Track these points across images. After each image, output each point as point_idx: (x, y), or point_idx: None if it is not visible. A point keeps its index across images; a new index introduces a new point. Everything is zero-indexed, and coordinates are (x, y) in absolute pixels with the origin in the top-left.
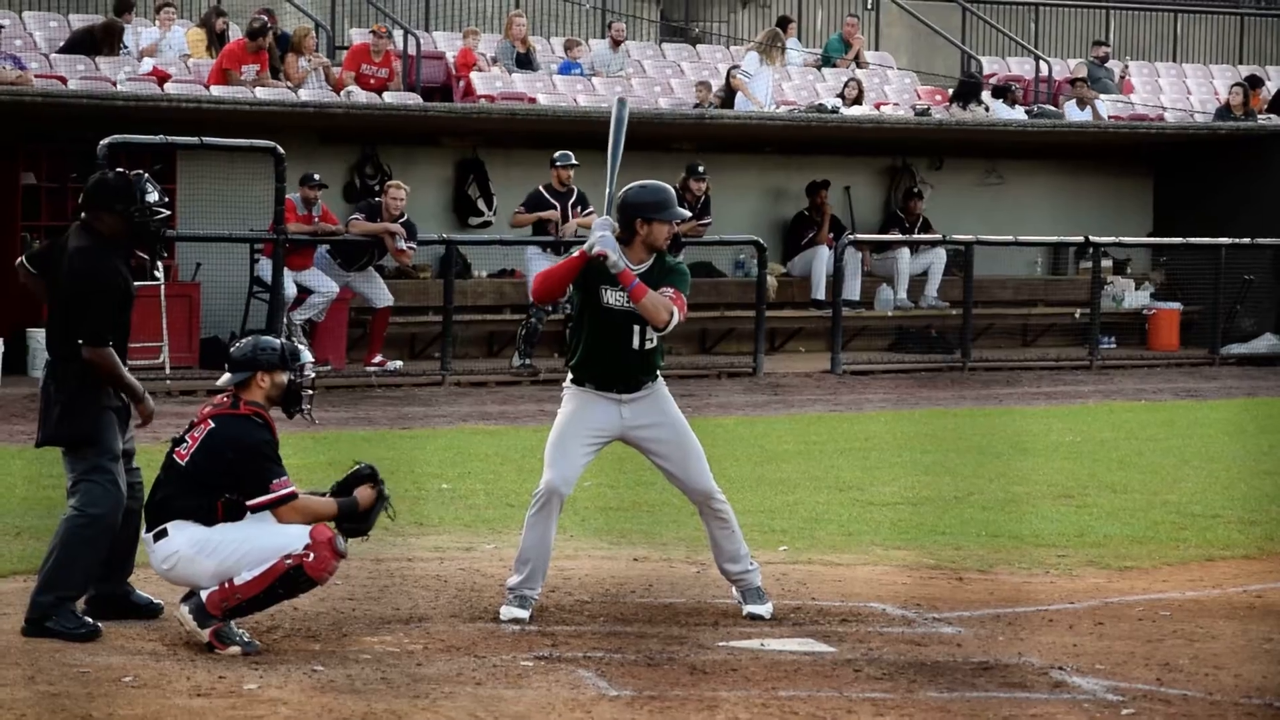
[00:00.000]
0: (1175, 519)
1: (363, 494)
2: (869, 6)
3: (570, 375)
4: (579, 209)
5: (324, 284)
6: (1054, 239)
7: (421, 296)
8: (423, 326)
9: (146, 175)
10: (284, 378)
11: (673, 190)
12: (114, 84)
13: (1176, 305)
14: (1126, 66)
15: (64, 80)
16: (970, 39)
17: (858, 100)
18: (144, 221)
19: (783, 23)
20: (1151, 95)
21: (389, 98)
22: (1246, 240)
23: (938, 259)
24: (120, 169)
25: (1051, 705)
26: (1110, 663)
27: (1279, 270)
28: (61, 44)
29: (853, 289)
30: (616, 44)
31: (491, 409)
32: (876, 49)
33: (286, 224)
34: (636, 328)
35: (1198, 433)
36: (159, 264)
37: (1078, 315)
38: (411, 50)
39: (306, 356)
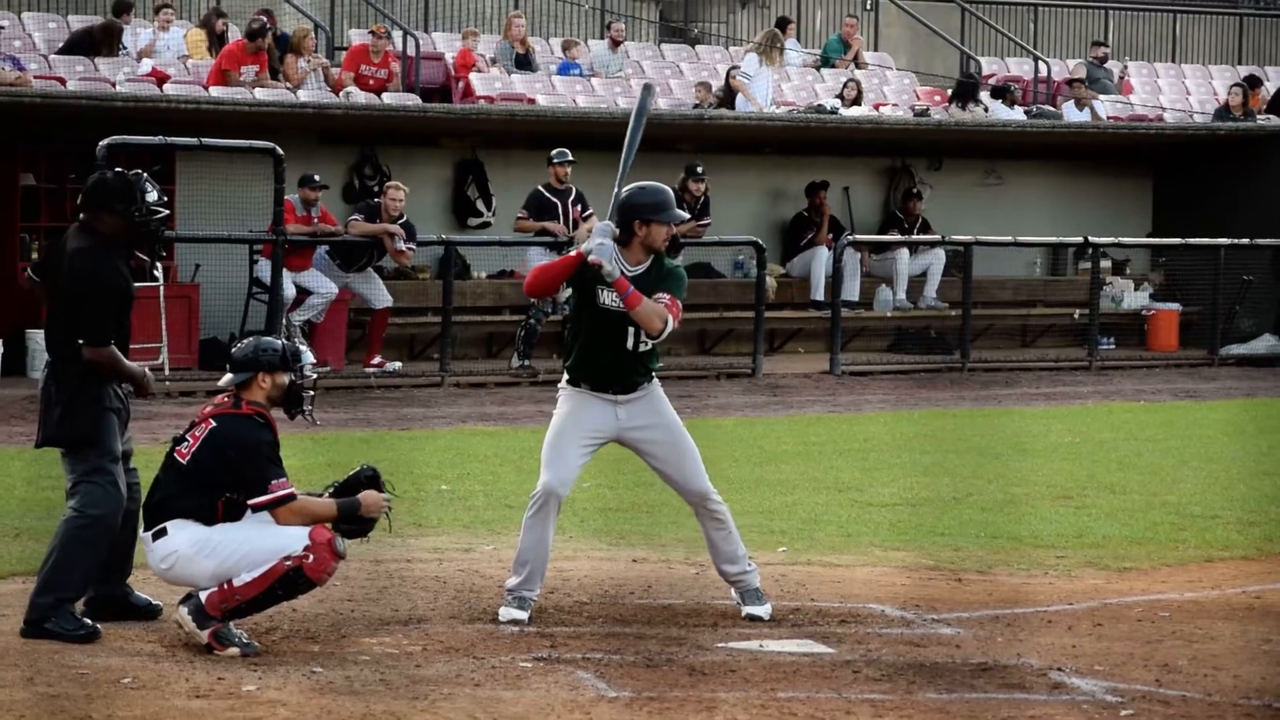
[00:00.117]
0: (1174, 520)
1: (369, 498)
2: (868, 7)
3: (566, 376)
4: (578, 207)
5: (323, 285)
6: (1053, 240)
7: (420, 297)
8: (422, 327)
9: (145, 175)
10: (285, 379)
11: (671, 192)
12: (113, 85)
13: (1175, 306)
14: (1125, 67)
15: (63, 81)
16: (969, 39)
17: (857, 101)
18: (143, 221)
19: (782, 23)
20: (1150, 96)
21: (388, 99)
22: (1245, 241)
23: (937, 260)
24: (119, 169)
25: (1050, 706)
26: (1109, 664)
27: (1278, 271)
28: (60, 45)
29: (852, 290)
30: (616, 44)
31: (490, 410)
32: (875, 50)
33: (285, 225)
34: (631, 329)
35: (1197, 433)
36: (158, 264)
37: (1077, 316)
38: (410, 51)
39: (308, 358)
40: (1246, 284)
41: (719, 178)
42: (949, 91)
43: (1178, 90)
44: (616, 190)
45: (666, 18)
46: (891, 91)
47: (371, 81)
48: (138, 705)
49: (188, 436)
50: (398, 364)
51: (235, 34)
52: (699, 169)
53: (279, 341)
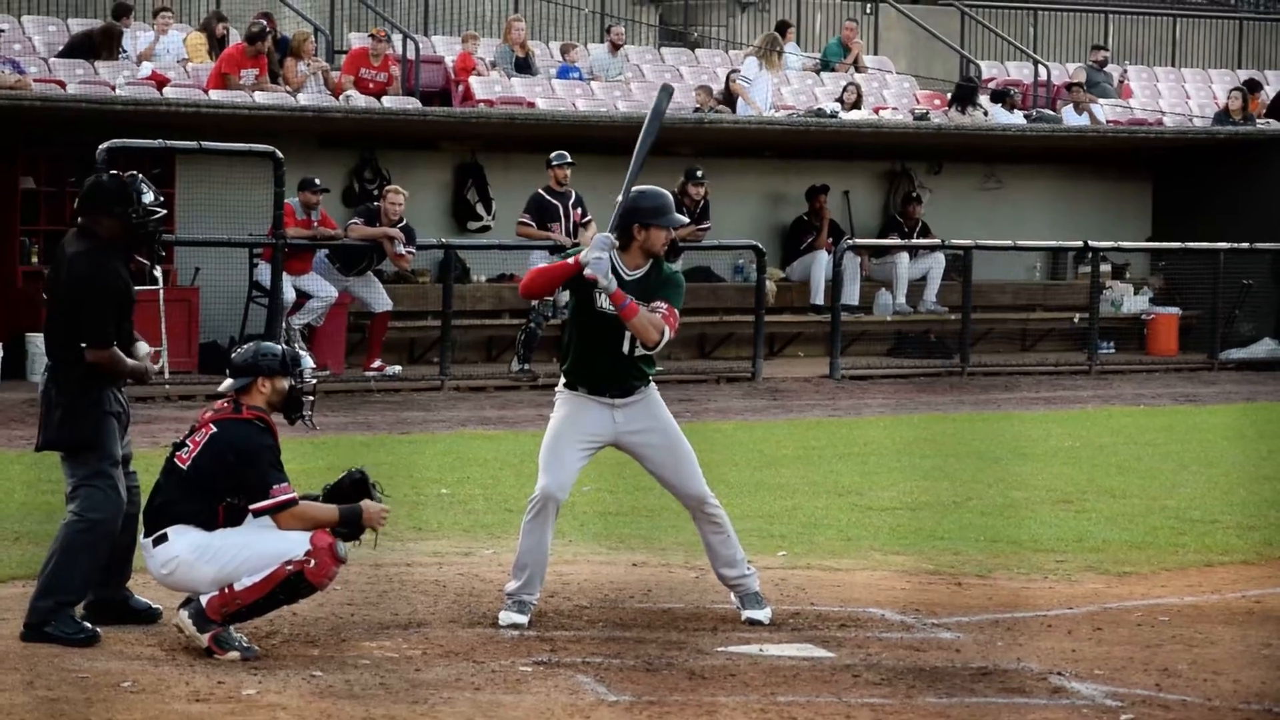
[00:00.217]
0: (1174, 524)
1: (370, 508)
2: (868, 11)
3: (563, 379)
4: (578, 210)
5: (323, 289)
6: (1053, 244)
7: (420, 301)
8: (421, 331)
9: (140, 176)
10: (285, 383)
11: (671, 196)
12: (113, 88)
13: (1175, 310)
14: (1125, 71)
15: (63, 85)
16: (969, 43)
17: (856, 105)
18: (141, 222)
19: (781, 27)
20: (1150, 100)
21: (388, 102)
22: (1245, 245)
23: (936, 264)
24: (114, 171)
25: (1050, 710)
26: (1109, 668)
27: (1278, 275)
28: (60, 48)
29: (851, 294)
30: (615, 48)
31: (490, 414)
32: (875, 53)
33: (285, 228)
34: (628, 333)
35: (1196, 438)
36: (158, 267)
37: (1076, 320)
38: (410, 54)
39: (308, 362)
40: (1246, 288)
41: (719, 181)
42: (949, 95)
43: (1177, 94)
44: (621, 199)
45: (666, 21)
46: (891, 95)
47: (371, 85)
48: (137, 709)
49: (188, 442)
50: (397, 368)
51: (235, 37)
52: (698, 173)
53: (278, 346)
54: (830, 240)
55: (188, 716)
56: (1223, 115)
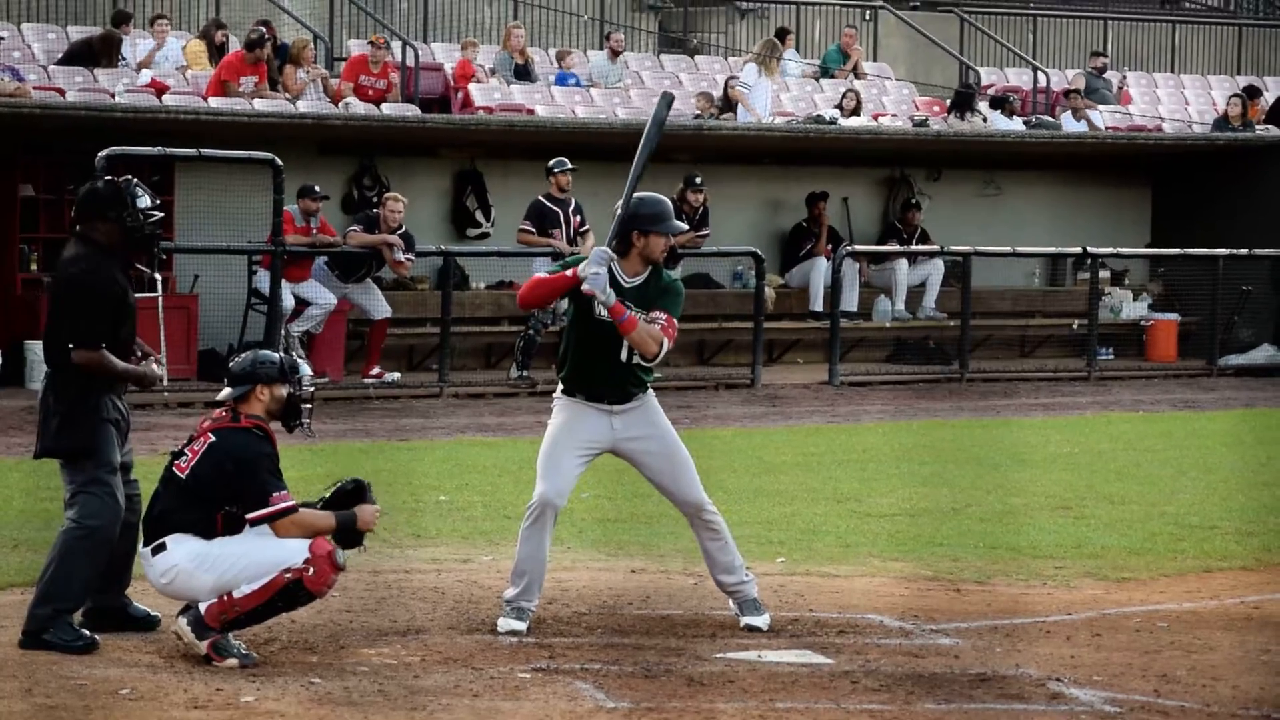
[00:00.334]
0: (1173, 530)
1: (364, 512)
2: (867, 17)
3: (561, 386)
4: (578, 218)
5: (322, 296)
6: (1052, 250)
7: (419, 308)
8: (420, 338)
9: (136, 181)
10: (283, 391)
11: (670, 203)
12: (112, 96)
13: (1174, 316)
14: (1124, 77)
15: (62, 92)
16: (968, 50)
17: (856, 111)
18: (137, 226)
19: (781, 34)
20: (1149, 106)
21: (387, 109)
22: (1244, 251)
23: (935, 270)
24: (110, 177)
25: (1049, 717)
26: (1108, 674)
27: (1277, 281)
28: (60, 56)
29: (850, 300)
30: (615, 55)
31: (489, 420)
32: (874, 60)
33: (284, 236)
34: (626, 341)
35: (1195, 444)
36: (157, 273)
37: (1075, 326)
38: (410, 61)
39: (305, 370)
40: (1245, 294)
41: (718, 188)
42: (948, 102)
43: (1176, 100)
44: (621, 211)
45: (665, 28)
46: (890, 102)
47: (370, 92)
48: (136, 716)
49: (186, 450)
50: (396, 375)
51: (235, 45)
52: (698, 179)
53: (276, 354)
54: (829, 247)
55: None
56: (1222, 121)
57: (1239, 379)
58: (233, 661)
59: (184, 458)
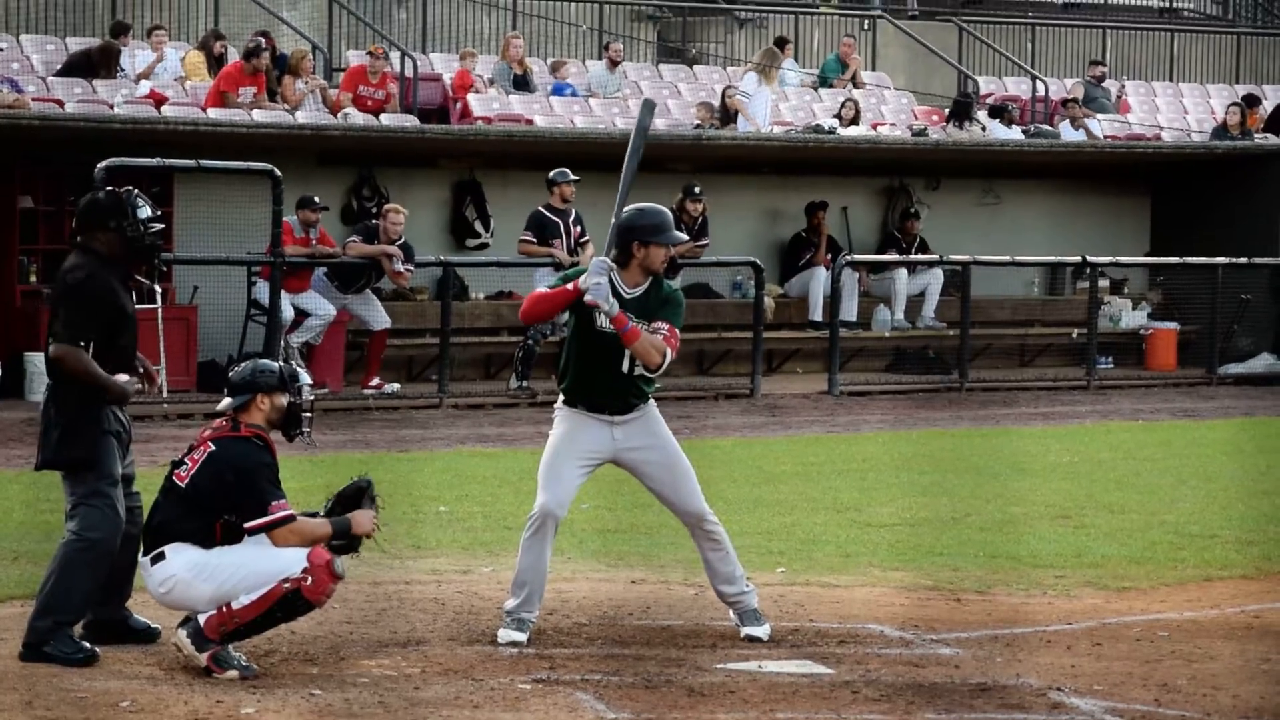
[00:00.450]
0: (1173, 539)
1: (358, 517)
2: (865, 27)
3: (562, 397)
4: (578, 229)
5: (321, 306)
6: (1051, 259)
7: (419, 319)
8: (420, 349)
9: (136, 191)
10: (283, 400)
11: (670, 213)
12: (111, 107)
13: (1174, 325)
14: (1123, 86)
15: (61, 103)
16: (967, 59)
17: (855, 121)
18: (138, 236)
19: (780, 43)
20: (1148, 115)
21: (386, 120)
22: (1243, 260)
23: (935, 279)
24: (110, 188)
25: None
26: (1108, 683)
27: (1276, 290)
28: (59, 67)
29: (850, 310)
30: (614, 65)
31: (489, 431)
32: (873, 69)
33: (284, 247)
34: (628, 352)
35: (1195, 453)
36: (158, 285)
37: (1075, 335)
38: (408, 72)
39: (305, 379)
40: (1244, 303)
41: (717, 198)
42: (947, 111)
43: (1175, 109)
44: (614, 221)
45: (664, 38)
46: (889, 111)
47: (369, 102)
48: None
49: (186, 460)
50: (396, 385)
51: (233, 56)
52: (697, 189)
53: (276, 364)
54: (828, 256)
55: None
56: (1221, 130)
57: (1238, 388)
58: (233, 673)
59: (184, 467)
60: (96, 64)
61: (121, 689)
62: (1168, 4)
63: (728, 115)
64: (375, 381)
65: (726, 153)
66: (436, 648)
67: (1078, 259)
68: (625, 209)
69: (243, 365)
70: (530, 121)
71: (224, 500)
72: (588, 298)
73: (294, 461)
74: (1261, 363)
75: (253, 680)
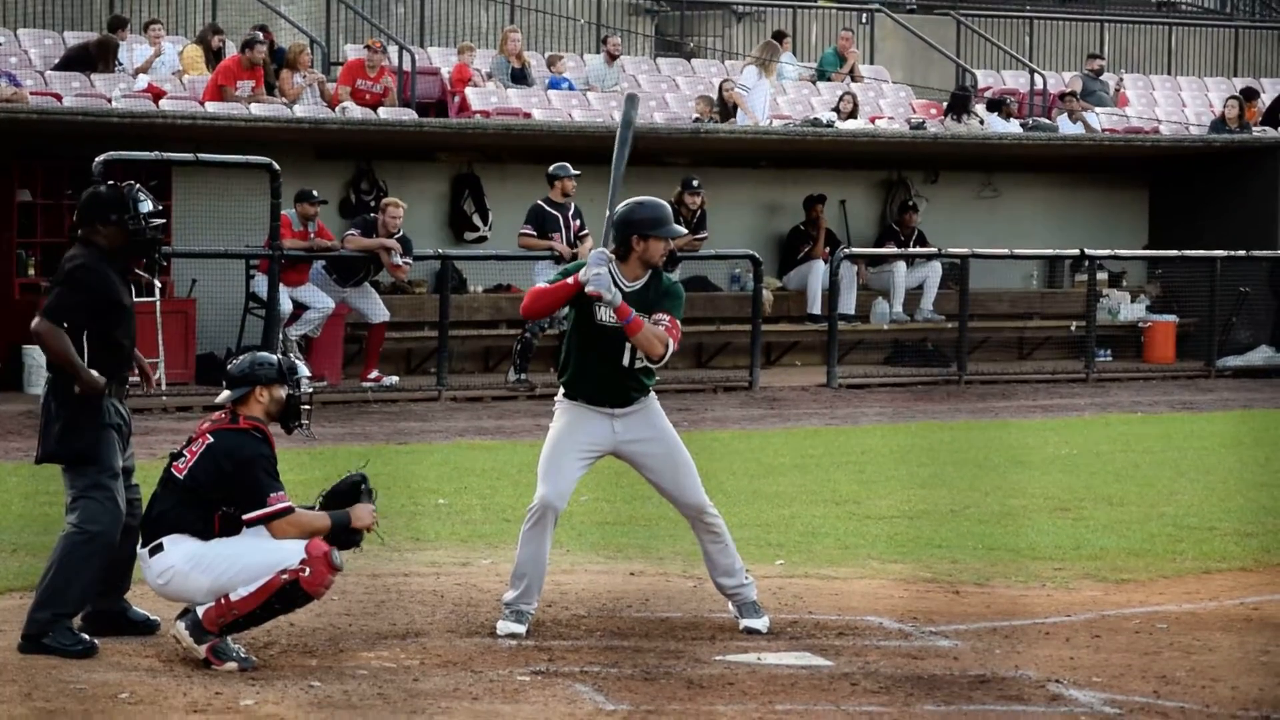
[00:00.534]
0: (1172, 531)
1: (358, 511)
2: (864, 20)
3: (562, 390)
4: (577, 222)
5: (320, 300)
6: (1049, 252)
7: (417, 312)
8: (419, 342)
9: (138, 186)
10: (282, 392)
11: (669, 207)
12: (109, 101)
13: (1172, 318)
14: (1121, 79)
15: (59, 97)
16: (965, 52)
17: (853, 114)
18: (139, 230)
19: (778, 37)
20: (1146, 108)
21: (384, 113)
22: (1242, 253)
23: (933, 272)
24: (111, 182)
25: (1049, 718)
26: (1107, 675)
27: (1274, 282)
28: (57, 61)
29: (848, 303)
30: (612, 58)
31: (488, 424)
32: (871, 63)
33: (282, 240)
34: (628, 345)
35: (1194, 445)
36: (158, 279)
37: (1073, 328)
38: (406, 66)
39: (304, 371)
40: (1243, 296)
41: (715, 191)
42: (945, 104)
43: (1173, 102)
44: (609, 213)
45: (662, 31)
46: (887, 104)
47: (368, 96)
48: None
49: (185, 452)
50: (395, 378)
51: (231, 50)
52: (695, 183)
53: (274, 356)
54: (827, 249)
55: None
56: (1219, 123)
57: (1237, 380)
58: (232, 665)
59: (183, 458)
60: (94, 58)
61: (120, 681)
62: None
63: (726, 109)
64: (374, 374)
65: (725, 146)
66: (435, 640)
67: (1076, 252)
68: (623, 203)
69: (241, 358)
70: (528, 115)
71: (222, 492)
72: (589, 289)
73: (292, 454)
74: (1260, 355)
75: (251, 672)
